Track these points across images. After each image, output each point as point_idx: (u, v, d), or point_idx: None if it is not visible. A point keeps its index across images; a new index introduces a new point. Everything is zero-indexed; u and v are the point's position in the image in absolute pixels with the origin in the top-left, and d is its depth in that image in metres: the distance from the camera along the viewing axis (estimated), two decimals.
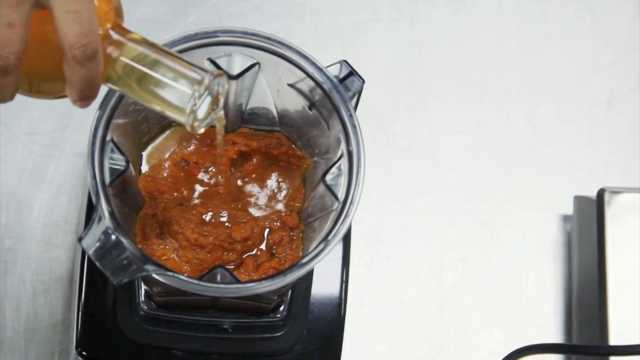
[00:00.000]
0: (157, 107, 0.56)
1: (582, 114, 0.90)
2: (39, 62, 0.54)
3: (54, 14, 0.51)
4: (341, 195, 0.62)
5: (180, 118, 0.56)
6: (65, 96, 0.56)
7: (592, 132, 0.90)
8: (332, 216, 0.62)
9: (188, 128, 0.56)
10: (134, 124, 0.66)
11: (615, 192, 0.79)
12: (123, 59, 0.55)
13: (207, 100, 0.57)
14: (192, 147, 0.70)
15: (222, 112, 0.59)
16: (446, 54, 0.91)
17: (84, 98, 0.55)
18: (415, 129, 0.89)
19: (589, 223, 0.80)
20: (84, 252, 0.73)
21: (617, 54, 0.92)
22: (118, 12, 0.56)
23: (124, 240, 0.57)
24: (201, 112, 0.57)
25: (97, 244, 0.57)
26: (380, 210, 0.86)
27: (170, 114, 0.56)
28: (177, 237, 0.68)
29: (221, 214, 0.69)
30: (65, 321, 0.80)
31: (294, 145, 0.71)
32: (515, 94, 0.91)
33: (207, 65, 0.64)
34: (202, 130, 0.57)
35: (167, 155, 0.70)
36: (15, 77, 0.52)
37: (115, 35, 0.55)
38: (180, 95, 0.55)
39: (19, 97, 0.56)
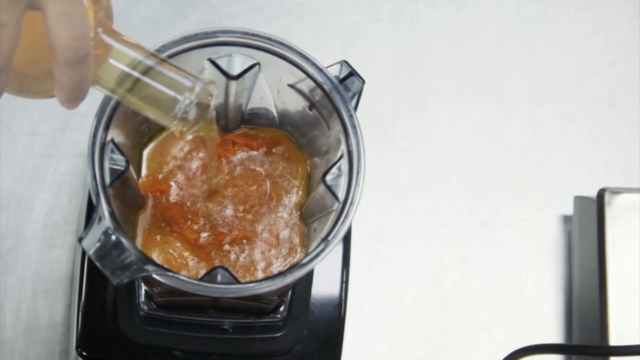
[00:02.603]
0: (146, 112, 0.56)
1: (582, 114, 0.90)
2: (29, 63, 0.54)
3: (46, 16, 0.51)
4: (341, 195, 0.62)
5: (169, 124, 0.56)
6: (54, 96, 0.56)
7: (593, 133, 0.90)
8: (333, 216, 0.62)
9: (177, 134, 0.56)
10: (134, 125, 0.66)
11: (616, 192, 0.79)
12: (112, 62, 0.55)
13: (197, 106, 0.57)
14: (192, 147, 0.70)
15: (213, 114, 0.59)
16: (446, 54, 0.91)
17: (72, 100, 0.54)
18: (416, 130, 0.89)
19: (589, 223, 0.80)
20: (84, 253, 0.73)
21: (618, 55, 0.92)
22: (108, 14, 0.56)
23: (124, 240, 0.57)
24: (190, 119, 0.57)
25: (97, 245, 0.57)
26: (380, 211, 0.86)
27: (159, 119, 0.56)
28: (177, 237, 0.68)
29: (222, 214, 0.69)
30: (66, 321, 0.80)
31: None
32: (516, 94, 0.91)
33: (208, 66, 0.64)
34: (190, 137, 0.58)
35: (167, 155, 0.70)
36: (4, 77, 0.52)
37: (105, 38, 0.55)
38: (169, 101, 0.55)
39: (20, 98, 0.56)
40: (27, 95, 0.57)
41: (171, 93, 0.55)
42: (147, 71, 0.55)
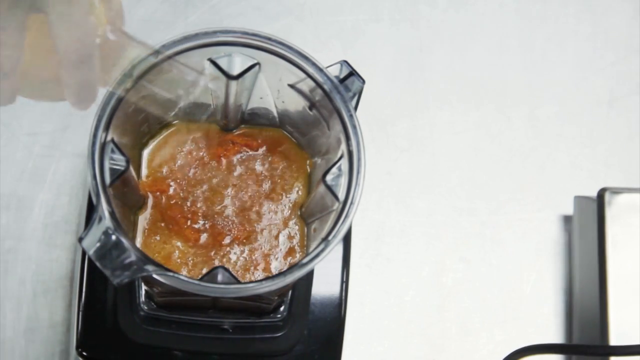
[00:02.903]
0: (153, 109, 0.56)
1: (582, 114, 0.90)
2: (38, 66, 0.54)
3: (49, 18, 0.51)
4: (341, 195, 0.62)
5: (175, 120, 0.56)
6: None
7: (593, 133, 0.90)
8: (333, 216, 0.62)
9: (182, 129, 0.57)
10: (134, 124, 0.66)
11: (616, 192, 0.79)
12: (121, 61, 0.55)
13: (200, 104, 0.57)
14: (192, 147, 0.70)
15: (217, 115, 0.59)
16: (447, 54, 0.91)
17: (82, 101, 0.55)
18: (416, 130, 0.89)
19: (589, 223, 0.80)
20: (84, 253, 0.73)
21: (618, 55, 0.92)
22: (118, 14, 0.56)
23: (124, 240, 0.57)
24: (195, 114, 0.57)
25: (98, 244, 0.57)
26: (380, 211, 0.86)
27: (165, 115, 0.56)
28: (177, 236, 0.68)
29: (222, 214, 0.69)
30: (66, 321, 0.80)
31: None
32: (516, 94, 0.91)
33: (208, 65, 0.64)
34: (191, 136, 0.58)
35: (167, 155, 0.70)
36: (11, 82, 0.52)
37: (112, 38, 0.55)
38: (175, 98, 0.55)
39: (19, 98, 0.56)
40: (40, 99, 0.57)
41: (177, 91, 0.55)
42: (154, 69, 0.55)
